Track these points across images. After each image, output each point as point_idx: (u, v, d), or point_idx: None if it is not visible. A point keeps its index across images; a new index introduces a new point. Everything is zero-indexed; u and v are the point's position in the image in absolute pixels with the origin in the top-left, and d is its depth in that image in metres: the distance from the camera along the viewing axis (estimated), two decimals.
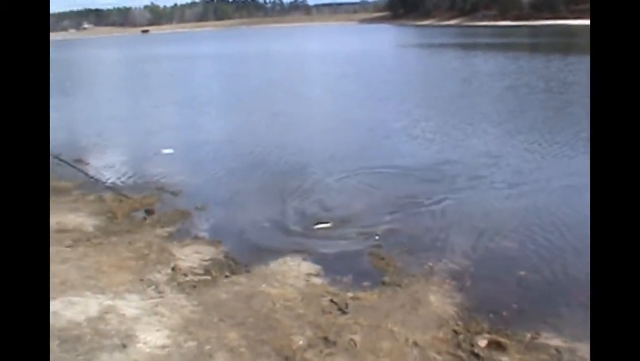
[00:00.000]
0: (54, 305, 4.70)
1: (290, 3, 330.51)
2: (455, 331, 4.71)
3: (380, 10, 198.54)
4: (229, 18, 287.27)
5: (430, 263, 6.04)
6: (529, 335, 4.65)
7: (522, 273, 5.81)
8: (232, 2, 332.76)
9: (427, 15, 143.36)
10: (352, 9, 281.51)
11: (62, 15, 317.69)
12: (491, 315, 4.99)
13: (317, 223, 7.19)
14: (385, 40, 64.58)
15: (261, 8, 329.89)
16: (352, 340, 4.46)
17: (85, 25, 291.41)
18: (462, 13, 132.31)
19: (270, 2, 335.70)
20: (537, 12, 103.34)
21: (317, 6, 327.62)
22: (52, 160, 9.37)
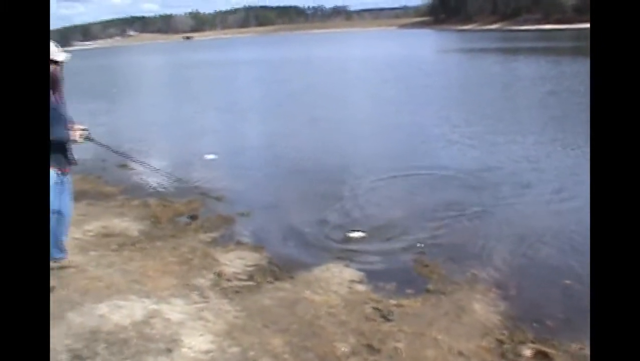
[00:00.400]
0: (101, 309, 4.77)
1: (332, 9, 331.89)
2: (500, 341, 4.64)
3: (421, 15, 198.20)
4: (271, 24, 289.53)
5: (474, 271, 5.98)
6: (575, 346, 4.57)
7: (568, 282, 5.72)
8: (273, 8, 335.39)
9: (468, 19, 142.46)
10: (393, 14, 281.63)
11: (108, 23, 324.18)
12: (536, 325, 4.92)
13: (352, 232, 7.17)
14: (426, 45, 64.38)
15: (302, 14, 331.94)
16: (396, 347, 4.43)
17: (130, 33, 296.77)
18: (504, 17, 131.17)
19: (311, 8, 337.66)
20: (580, 15, 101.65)
21: (358, 12, 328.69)
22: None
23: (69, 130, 5.41)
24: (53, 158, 5.26)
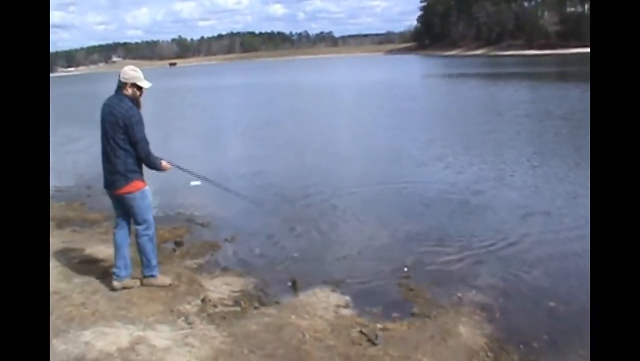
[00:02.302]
0: (86, 336, 4.75)
1: (317, 35, 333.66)
2: None
3: (406, 41, 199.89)
4: (256, 50, 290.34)
5: (459, 295, 6.01)
6: None
7: (552, 304, 5.76)
8: (258, 35, 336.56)
9: (453, 45, 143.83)
10: (377, 40, 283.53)
11: (91, 49, 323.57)
12: (522, 346, 4.95)
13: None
14: (411, 71, 64.85)
15: (288, 40, 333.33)
16: None
17: (114, 59, 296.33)
18: (488, 43, 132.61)
19: (296, 34, 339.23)
20: (564, 40, 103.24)
21: (343, 37, 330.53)
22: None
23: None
24: (142, 172, 5.82)
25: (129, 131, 5.57)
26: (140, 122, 5.64)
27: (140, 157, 5.72)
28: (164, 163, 5.91)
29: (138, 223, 5.92)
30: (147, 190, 5.91)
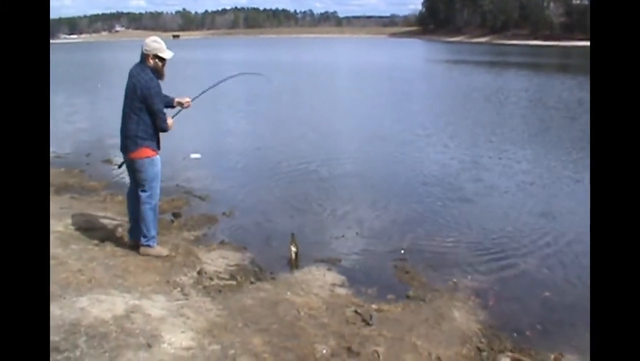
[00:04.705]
0: (82, 302, 4.75)
1: (321, 14, 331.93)
2: (479, 349, 4.69)
3: (410, 25, 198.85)
4: (260, 26, 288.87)
5: (455, 280, 6.03)
6: (552, 356, 4.63)
7: (547, 294, 5.78)
8: (262, 11, 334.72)
9: (457, 31, 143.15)
10: (381, 22, 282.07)
11: (95, 18, 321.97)
12: (515, 334, 4.97)
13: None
14: (413, 56, 64.72)
15: (292, 18, 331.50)
16: (375, 351, 4.46)
17: (118, 28, 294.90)
18: (493, 31, 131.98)
19: (300, 12, 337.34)
20: (568, 32, 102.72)
21: (347, 18, 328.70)
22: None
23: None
24: (156, 142, 5.93)
25: (147, 101, 5.69)
26: (158, 94, 5.76)
27: (158, 127, 5.87)
28: (169, 120, 6.00)
29: (143, 190, 5.95)
30: (157, 159, 5.97)
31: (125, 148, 5.90)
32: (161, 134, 5.96)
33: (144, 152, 5.84)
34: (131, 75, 5.77)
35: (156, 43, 5.79)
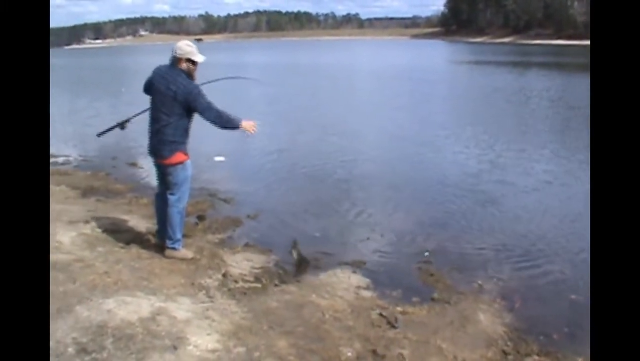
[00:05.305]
0: (108, 304, 4.78)
1: (343, 16, 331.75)
2: (504, 352, 4.66)
3: (432, 26, 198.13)
4: (281, 29, 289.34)
5: (480, 282, 5.99)
6: (580, 359, 4.59)
7: (573, 296, 5.72)
8: (284, 14, 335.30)
9: (480, 32, 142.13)
10: (403, 23, 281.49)
11: (120, 23, 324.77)
12: (541, 337, 4.93)
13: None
14: (436, 57, 64.49)
15: (314, 20, 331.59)
16: (400, 354, 4.45)
17: (142, 32, 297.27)
18: (516, 31, 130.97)
19: (322, 14, 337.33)
20: None
21: (369, 20, 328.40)
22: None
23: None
24: (187, 145, 5.95)
25: (191, 105, 5.72)
26: (200, 93, 5.76)
27: (213, 122, 5.85)
28: (244, 123, 5.95)
29: (172, 194, 5.99)
30: (188, 164, 6.01)
31: (158, 153, 5.91)
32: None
33: (178, 157, 5.87)
34: (165, 78, 5.76)
35: (189, 47, 5.81)
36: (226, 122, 5.88)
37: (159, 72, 5.86)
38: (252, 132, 6.01)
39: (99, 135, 6.55)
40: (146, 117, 6.02)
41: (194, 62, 5.83)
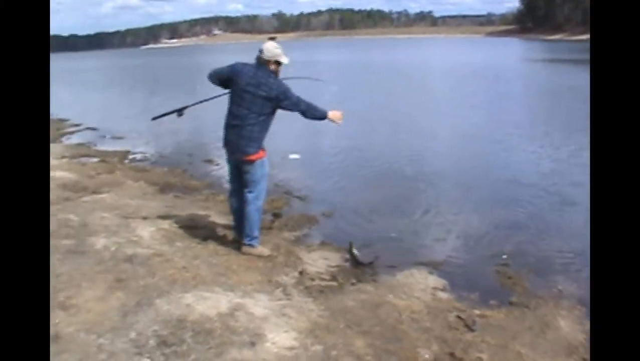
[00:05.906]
0: (187, 298, 4.87)
1: (416, 14, 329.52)
2: (586, 360, 4.53)
3: (507, 23, 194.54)
4: (354, 27, 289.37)
5: (560, 287, 5.84)
6: None
7: None
8: (357, 12, 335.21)
9: (557, 29, 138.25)
10: (477, 21, 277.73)
11: (194, 22, 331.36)
12: None
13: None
14: (510, 55, 63.34)
15: (387, 18, 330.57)
16: (479, 358, 4.38)
17: (215, 32, 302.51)
18: None
19: (396, 12, 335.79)
20: None
21: (442, 17, 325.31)
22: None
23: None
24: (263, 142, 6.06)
25: (282, 103, 5.90)
26: (289, 89, 5.94)
27: (304, 114, 6.09)
28: (330, 113, 6.17)
29: (250, 191, 6.08)
30: (266, 161, 6.13)
31: (239, 150, 5.99)
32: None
33: (259, 155, 6.00)
34: (256, 79, 5.88)
35: (278, 49, 5.96)
36: (315, 113, 6.05)
37: (246, 72, 5.95)
38: (339, 122, 6.21)
39: (154, 119, 6.65)
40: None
41: (279, 63, 5.97)
